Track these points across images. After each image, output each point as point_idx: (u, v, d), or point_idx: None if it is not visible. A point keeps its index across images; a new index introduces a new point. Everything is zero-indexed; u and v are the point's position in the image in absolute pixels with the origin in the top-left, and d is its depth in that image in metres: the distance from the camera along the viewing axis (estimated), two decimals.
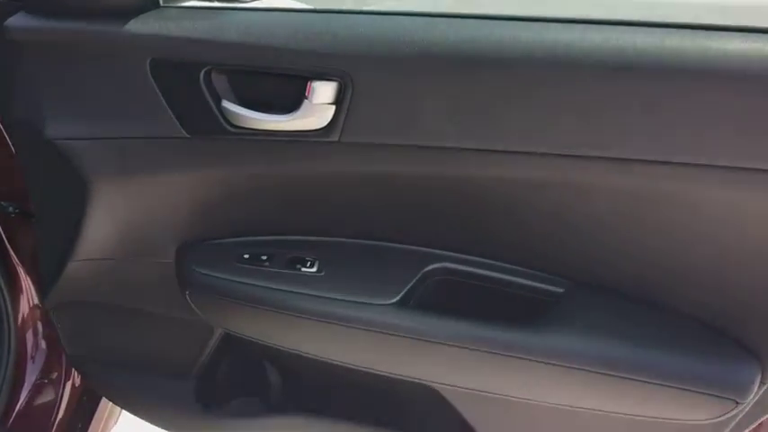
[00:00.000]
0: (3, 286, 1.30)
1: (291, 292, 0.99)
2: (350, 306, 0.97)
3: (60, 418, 1.40)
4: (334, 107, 0.87)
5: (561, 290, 0.97)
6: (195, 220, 1.05)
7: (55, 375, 1.38)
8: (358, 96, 0.85)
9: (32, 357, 1.33)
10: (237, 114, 0.89)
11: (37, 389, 1.36)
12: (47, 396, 1.39)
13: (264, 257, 1.04)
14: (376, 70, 0.83)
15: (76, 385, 1.37)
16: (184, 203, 1.03)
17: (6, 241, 1.31)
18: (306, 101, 0.86)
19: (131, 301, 1.18)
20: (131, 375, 1.28)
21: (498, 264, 1.00)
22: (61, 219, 1.07)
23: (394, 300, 0.97)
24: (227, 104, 0.89)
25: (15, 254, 1.32)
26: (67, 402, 1.40)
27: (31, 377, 1.35)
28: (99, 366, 1.28)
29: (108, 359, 1.27)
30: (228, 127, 0.90)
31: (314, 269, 1.02)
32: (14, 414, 1.33)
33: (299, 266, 1.03)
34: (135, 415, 1.32)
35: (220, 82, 0.89)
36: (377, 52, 0.82)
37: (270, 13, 0.89)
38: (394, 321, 0.97)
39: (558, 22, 0.79)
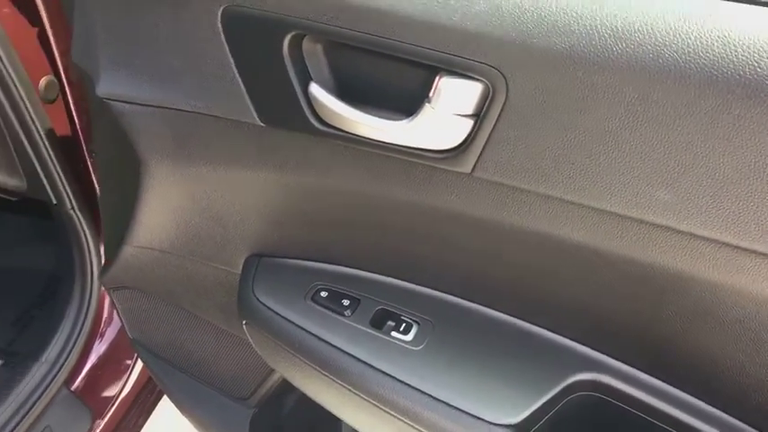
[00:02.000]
0: (92, 250, 1.19)
1: (371, 367, 0.70)
2: (447, 415, 0.66)
3: (124, 397, 1.30)
4: (471, 122, 0.55)
5: None
6: (268, 231, 0.79)
7: (125, 353, 1.34)
8: (512, 111, 0.52)
9: (103, 331, 1.31)
10: (328, 108, 0.59)
11: (105, 360, 1.31)
12: (114, 370, 1.34)
13: (346, 302, 0.75)
14: (548, 72, 0.49)
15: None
16: (256, 208, 0.76)
17: None
18: (427, 105, 0.54)
19: (193, 305, 0.96)
20: (189, 379, 1.09)
21: (682, 397, 0.64)
22: (119, 196, 0.86)
23: (514, 420, 0.64)
24: (316, 90, 0.60)
25: None
26: (134, 383, 1.29)
27: (100, 347, 1.31)
28: (156, 358, 1.10)
29: (166, 355, 1.08)
30: (315, 123, 0.61)
31: (409, 336, 0.72)
32: (78, 379, 1.28)
33: (389, 326, 0.73)
34: (188, 420, 1.14)
35: (313, 56, 0.60)
36: (556, 46, 0.48)
37: None
38: None
39: None
